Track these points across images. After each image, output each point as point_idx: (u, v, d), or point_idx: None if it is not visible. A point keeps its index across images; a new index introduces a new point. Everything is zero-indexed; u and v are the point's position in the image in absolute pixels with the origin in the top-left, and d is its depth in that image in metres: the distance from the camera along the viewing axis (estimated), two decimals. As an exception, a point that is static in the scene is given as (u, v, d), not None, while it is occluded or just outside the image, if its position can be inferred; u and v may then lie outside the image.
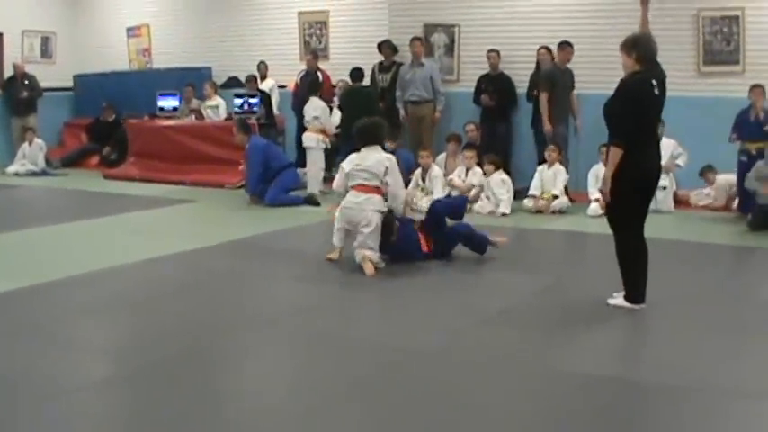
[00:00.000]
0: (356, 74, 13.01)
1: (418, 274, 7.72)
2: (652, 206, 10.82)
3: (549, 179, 11.24)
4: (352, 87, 13.12)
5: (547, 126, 11.59)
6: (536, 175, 11.38)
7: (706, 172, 11.33)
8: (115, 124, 16.13)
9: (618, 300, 6.47)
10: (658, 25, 11.91)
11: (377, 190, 7.88)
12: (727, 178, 11.05)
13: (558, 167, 11.30)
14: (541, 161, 11.56)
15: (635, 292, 6.40)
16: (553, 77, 11.75)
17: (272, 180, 11.74)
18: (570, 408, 4.63)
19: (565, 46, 11.89)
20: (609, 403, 4.70)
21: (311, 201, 11.66)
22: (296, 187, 12.06)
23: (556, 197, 11.14)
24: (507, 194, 11.11)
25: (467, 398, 4.73)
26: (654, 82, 6.40)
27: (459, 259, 8.24)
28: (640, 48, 6.54)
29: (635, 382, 4.96)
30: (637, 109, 6.25)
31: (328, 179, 12.24)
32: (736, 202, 10.83)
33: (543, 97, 11.63)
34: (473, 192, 11.27)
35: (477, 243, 8.32)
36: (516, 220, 10.61)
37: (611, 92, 6.58)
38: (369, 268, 7.61)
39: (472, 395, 4.78)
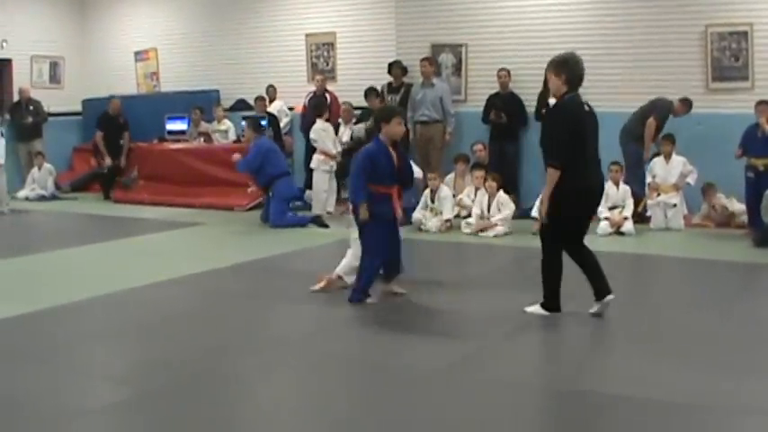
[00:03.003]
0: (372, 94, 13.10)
1: (429, 293, 7.68)
2: (662, 224, 11.03)
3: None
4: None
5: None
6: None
7: (707, 189, 11.29)
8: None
9: (534, 307, 6.74)
10: (666, 41, 12.01)
11: None
12: (724, 202, 11.08)
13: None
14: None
15: (553, 300, 6.68)
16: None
17: (268, 187, 11.82)
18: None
19: None
20: (619, 421, 4.66)
21: (318, 222, 11.64)
22: (293, 197, 12.07)
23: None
24: (509, 213, 11.04)
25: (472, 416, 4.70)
26: (584, 101, 6.62)
27: (464, 278, 8.20)
28: (569, 69, 6.61)
29: (641, 399, 4.92)
30: (571, 129, 6.39)
31: (341, 200, 12.30)
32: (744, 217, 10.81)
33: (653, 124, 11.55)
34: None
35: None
36: (520, 239, 10.56)
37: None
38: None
39: (478, 414, 4.75)
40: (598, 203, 6.92)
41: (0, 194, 13.50)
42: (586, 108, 6.61)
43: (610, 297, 6.58)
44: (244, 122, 12.90)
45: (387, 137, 7.28)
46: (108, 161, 15.25)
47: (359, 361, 5.89)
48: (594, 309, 6.62)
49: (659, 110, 11.44)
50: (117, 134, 15.58)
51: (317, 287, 7.65)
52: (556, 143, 6.44)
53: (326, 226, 11.52)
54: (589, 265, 6.65)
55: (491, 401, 4.98)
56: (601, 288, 6.61)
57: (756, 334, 6.40)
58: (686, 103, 11.55)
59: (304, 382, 5.54)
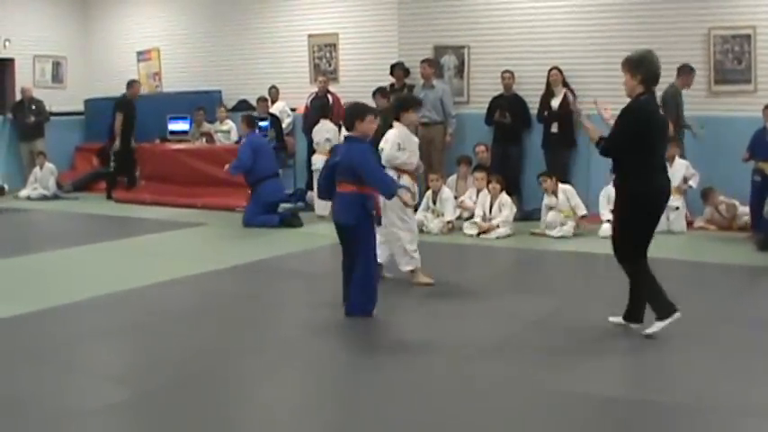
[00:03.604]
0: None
1: (430, 296, 7.67)
2: (664, 227, 11.00)
3: (563, 201, 11.12)
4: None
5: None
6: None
7: (708, 194, 11.27)
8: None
9: (654, 327, 6.20)
10: (669, 44, 11.99)
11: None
12: (730, 201, 11.07)
13: (568, 189, 11.21)
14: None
15: (665, 306, 6.19)
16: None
17: (253, 187, 11.89)
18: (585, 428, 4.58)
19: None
20: (623, 423, 4.65)
21: (289, 222, 11.63)
22: (276, 199, 12.07)
23: (584, 216, 11.06)
24: (509, 214, 11.04)
25: (480, 422, 4.68)
26: (658, 102, 6.34)
27: (467, 281, 8.19)
28: (646, 68, 6.24)
29: (646, 401, 4.90)
30: (641, 131, 6.12)
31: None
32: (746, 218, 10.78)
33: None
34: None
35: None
36: (521, 241, 10.55)
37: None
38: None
39: (485, 418, 4.74)
40: (662, 210, 6.50)
41: None
42: (661, 112, 6.38)
43: (635, 326, 6.33)
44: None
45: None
46: (117, 144, 15.17)
47: (359, 363, 5.89)
48: (615, 319, 6.49)
49: (669, 106, 11.21)
50: (135, 118, 15.54)
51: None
52: (615, 138, 6.21)
53: (300, 225, 11.55)
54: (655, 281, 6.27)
55: (488, 406, 4.97)
56: (635, 313, 6.37)
57: (759, 336, 6.38)
58: (685, 71, 11.38)
59: (304, 383, 5.54)
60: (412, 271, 8.08)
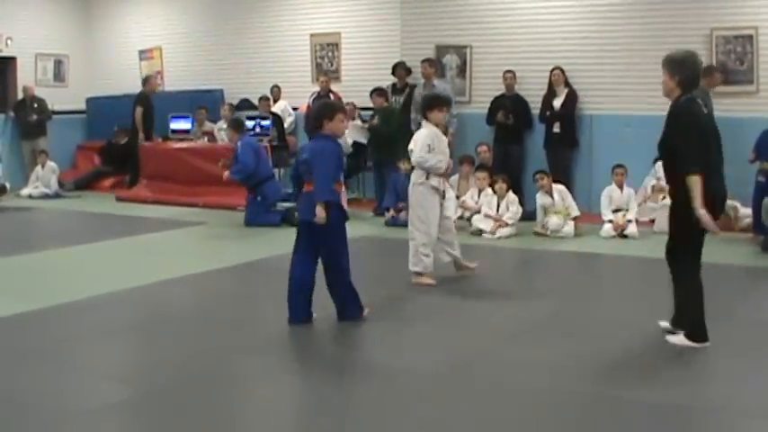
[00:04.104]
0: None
1: (432, 296, 7.68)
2: (666, 226, 10.94)
3: (558, 201, 11.11)
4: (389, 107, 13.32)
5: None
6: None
7: None
8: (128, 147, 16.17)
9: (678, 338, 6.06)
10: (671, 44, 11.96)
11: None
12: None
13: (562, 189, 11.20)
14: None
15: (699, 330, 5.97)
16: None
17: (254, 189, 11.88)
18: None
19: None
20: (623, 422, 4.65)
21: (290, 221, 11.63)
22: (277, 200, 12.08)
23: (576, 218, 11.05)
24: (517, 212, 11.04)
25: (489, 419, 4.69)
26: (700, 101, 6.00)
27: (468, 281, 8.19)
28: (685, 71, 5.92)
29: (645, 401, 4.90)
30: (699, 130, 5.82)
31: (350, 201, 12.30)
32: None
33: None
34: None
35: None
36: (525, 241, 10.53)
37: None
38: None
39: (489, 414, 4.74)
40: (718, 216, 6.08)
41: None
42: (705, 111, 6.02)
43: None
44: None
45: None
46: (142, 137, 15.15)
47: (358, 362, 5.89)
48: (665, 323, 6.28)
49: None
50: (153, 113, 15.56)
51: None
52: (687, 148, 5.76)
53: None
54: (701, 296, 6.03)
55: (490, 405, 4.98)
56: (680, 321, 6.14)
57: (761, 337, 6.39)
58: (710, 72, 10.88)
59: (304, 383, 5.54)
60: (417, 272, 8.08)
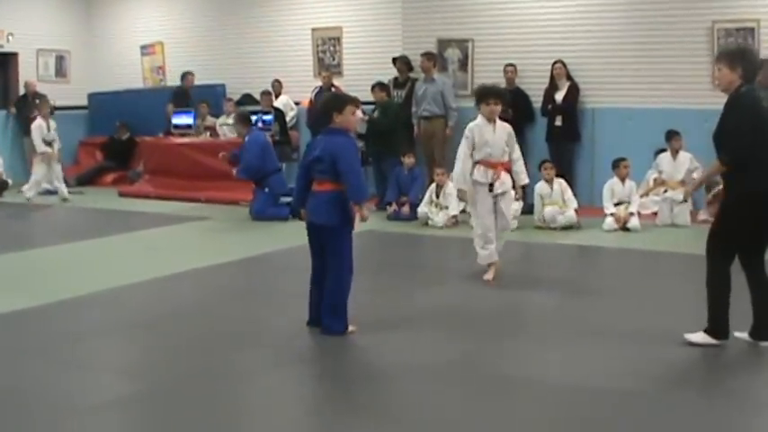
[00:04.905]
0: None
1: (432, 289, 7.68)
2: (668, 219, 11.00)
3: (557, 192, 11.11)
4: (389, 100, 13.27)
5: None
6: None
7: (711, 186, 11.22)
8: (130, 142, 16.22)
9: (698, 336, 5.85)
10: (673, 37, 11.98)
11: None
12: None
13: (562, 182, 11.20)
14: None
15: (719, 326, 5.79)
16: None
17: (261, 182, 11.89)
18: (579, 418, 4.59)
19: None
20: (622, 420, 4.66)
21: (298, 214, 11.62)
22: (284, 193, 12.10)
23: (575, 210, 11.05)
24: (517, 211, 11.03)
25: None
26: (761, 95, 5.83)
27: (473, 276, 8.20)
28: (747, 62, 5.76)
29: (646, 396, 4.91)
30: (752, 123, 5.65)
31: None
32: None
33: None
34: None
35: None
36: (525, 235, 10.53)
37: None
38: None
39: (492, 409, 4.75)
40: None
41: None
42: (765, 104, 5.79)
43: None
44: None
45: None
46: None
47: (359, 358, 5.90)
48: (742, 335, 5.90)
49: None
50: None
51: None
52: (731, 137, 5.68)
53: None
54: (762, 294, 5.80)
55: (488, 399, 4.99)
56: (761, 328, 5.83)
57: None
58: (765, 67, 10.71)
59: (304, 380, 5.55)
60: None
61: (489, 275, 8.04)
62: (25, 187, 14.06)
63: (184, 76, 15.91)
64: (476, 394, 5.03)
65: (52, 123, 14.22)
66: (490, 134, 8.00)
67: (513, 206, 10.85)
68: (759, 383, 5.27)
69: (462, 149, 8.11)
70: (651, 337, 6.11)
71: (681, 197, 10.87)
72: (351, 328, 6.25)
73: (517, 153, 8.21)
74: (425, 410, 4.78)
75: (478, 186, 8.03)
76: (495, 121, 8.04)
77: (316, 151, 6.26)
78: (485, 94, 8.06)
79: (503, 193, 8.07)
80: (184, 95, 15.66)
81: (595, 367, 5.51)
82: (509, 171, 8.13)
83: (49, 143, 14.08)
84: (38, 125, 14.09)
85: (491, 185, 7.99)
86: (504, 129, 8.13)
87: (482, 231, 8.08)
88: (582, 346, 5.95)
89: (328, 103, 6.48)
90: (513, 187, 8.20)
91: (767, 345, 5.79)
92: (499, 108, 8.01)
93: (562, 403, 4.88)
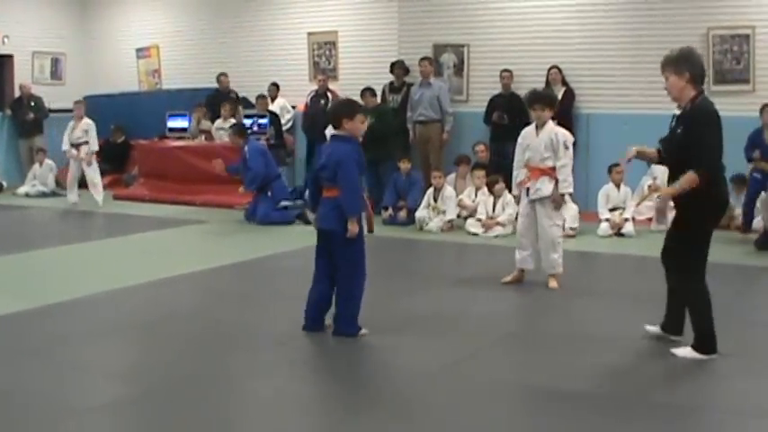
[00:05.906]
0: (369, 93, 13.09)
1: (428, 294, 7.69)
2: (662, 225, 11.01)
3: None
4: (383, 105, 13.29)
5: None
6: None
7: None
8: (125, 146, 16.22)
9: (685, 350, 5.74)
10: (668, 44, 11.98)
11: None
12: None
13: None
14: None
15: (708, 340, 5.69)
16: None
17: (263, 190, 11.91)
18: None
19: None
20: (621, 421, 4.67)
21: (304, 219, 11.66)
22: (286, 198, 12.10)
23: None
24: (513, 213, 11.04)
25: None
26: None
27: (467, 281, 8.20)
28: (691, 65, 5.67)
29: (645, 400, 4.92)
30: (719, 135, 5.57)
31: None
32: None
33: None
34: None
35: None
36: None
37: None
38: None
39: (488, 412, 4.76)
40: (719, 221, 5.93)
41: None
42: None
43: (675, 337, 5.93)
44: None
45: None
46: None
47: (355, 361, 5.90)
48: (649, 328, 6.13)
49: None
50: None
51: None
52: (709, 150, 5.52)
53: (310, 223, 11.54)
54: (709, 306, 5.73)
55: (481, 404, 4.99)
56: (672, 325, 5.96)
57: (757, 335, 6.43)
58: None
59: (302, 383, 5.54)
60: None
61: (506, 278, 8.08)
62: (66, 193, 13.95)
63: (218, 78, 15.65)
64: (468, 399, 5.03)
65: (84, 124, 13.77)
66: (532, 138, 8.07)
67: (508, 211, 10.92)
68: (751, 390, 5.28)
69: (515, 154, 8.25)
70: (649, 342, 6.12)
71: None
72: (363, 330, 6.28)
73: (563, 161, 7.92)
74: (421, 414, 4.78)
75: (521, 190, 8.12)
76: (541, 127, 8.05)
77: (322, 158, 6.33)
78: (531, 100, 8.18)
79: (540, 200, 7.93)
80: (223, 98, 15.21)
81: (590, 372, 5.52)
82: (553, 178, 7.92)
83: (76, 145, 13.78)
84: (70, 126, 13.86)
85: (528, 190, 8.00)
86: (549, 134, 8.00)
87: (518, 239, 8.16)
88: (578, 352, 5.96)
89: (339, 109, 6.47)
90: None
91: (675, 337, 5.93)
92: (545, 114, 8.01)
93: (558, 409, 4.89)
